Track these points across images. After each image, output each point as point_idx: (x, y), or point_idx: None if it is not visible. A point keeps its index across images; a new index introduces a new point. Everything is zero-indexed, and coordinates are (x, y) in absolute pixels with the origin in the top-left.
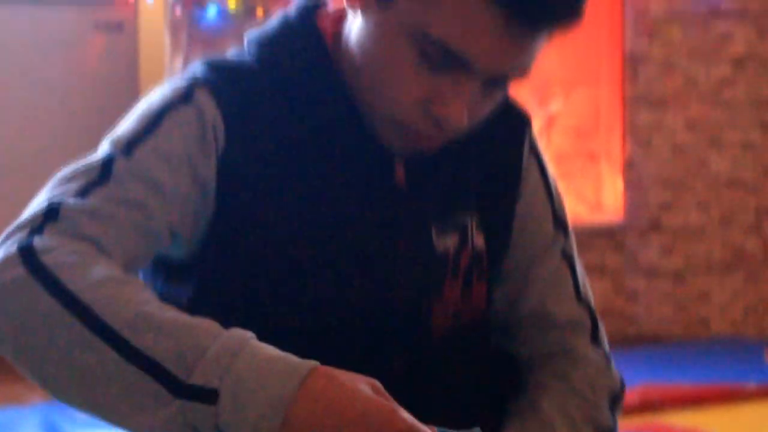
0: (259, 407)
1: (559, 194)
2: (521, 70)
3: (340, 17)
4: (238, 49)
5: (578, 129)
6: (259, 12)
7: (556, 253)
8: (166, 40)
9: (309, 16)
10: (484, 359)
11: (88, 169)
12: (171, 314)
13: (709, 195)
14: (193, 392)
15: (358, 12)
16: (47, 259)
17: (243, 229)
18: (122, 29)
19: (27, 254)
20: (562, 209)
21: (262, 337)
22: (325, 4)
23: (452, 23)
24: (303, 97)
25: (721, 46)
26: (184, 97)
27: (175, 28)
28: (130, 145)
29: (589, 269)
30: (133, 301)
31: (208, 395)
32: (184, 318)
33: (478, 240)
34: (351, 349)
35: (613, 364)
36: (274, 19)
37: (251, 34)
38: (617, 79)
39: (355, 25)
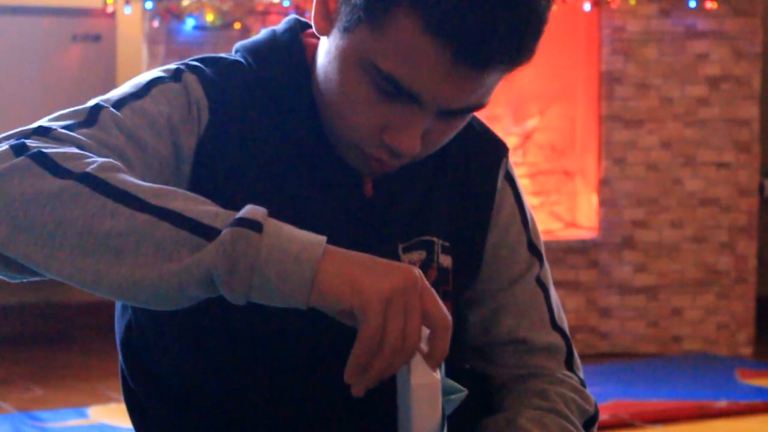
0: (301, 243)
1: (534, 222)
2: (476, 104)
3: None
4: (227, 53)
5: (554, 146)
6: (237, 25)
7: (531, 280)
8: (144, 51)
9: (295, 32)
10: (451, 378)
11: (75, 113)
12: (189, 192)
13: (683, 213)
14: (241, 221)
15: (325, 36)
16: (46, 150)
17: None
18: (100, 40)
19: (21, 148)
20: (538, 237)
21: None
22: (311, 26)
23: (401, 59)
24: (280, 104)
25: (697, 66)
26: (173, 76)
27: (152, 40)
28: (117, 103)
29: (563, 285)
30: (143, 181)
31: (254, 225)
32: (202, 197)
33: (445, 260)
34: (312, 360)
35: (588, 390)
36: (262, 33)
37: (239, 43)
38: (593, 98)
39: (322, 48)
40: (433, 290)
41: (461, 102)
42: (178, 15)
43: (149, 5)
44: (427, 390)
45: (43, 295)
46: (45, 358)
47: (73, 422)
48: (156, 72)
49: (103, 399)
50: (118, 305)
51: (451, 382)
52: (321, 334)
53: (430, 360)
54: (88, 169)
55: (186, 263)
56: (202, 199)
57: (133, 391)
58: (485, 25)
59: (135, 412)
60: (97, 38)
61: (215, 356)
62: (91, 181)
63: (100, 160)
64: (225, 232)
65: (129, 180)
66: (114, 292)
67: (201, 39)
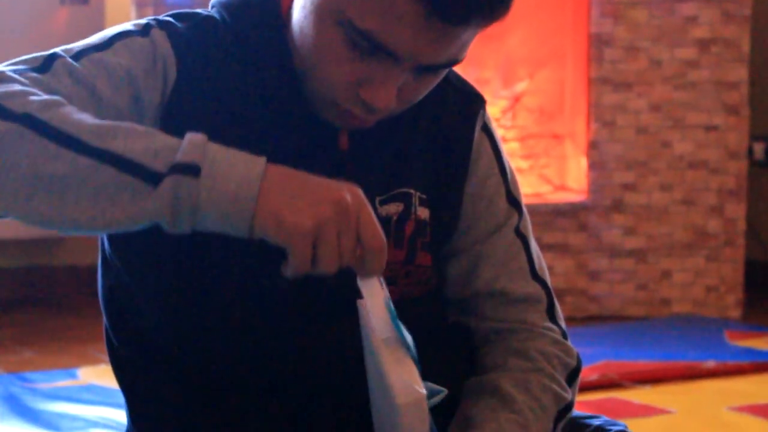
0: (237, 179)
1: (513, 173)
2: (451, 59)
3: None
4: (203, 9)
5: (543, 109)
6: None
7: (510, 231)
8: (132, 15)
9: None
10: (434, 332)
11: (31, 59)
12: (129, 123)
13: (672, 176)
14: (179, 168)
15: None
16: None
17: None
18: (88, 3)
19: None
20: (516, 188)
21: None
22: None
23: (375, 16)
24: (254, 59)
25: (686, 28)
26: (141, 31)
27: (141, 3)
28: (78, 54)
29: (553, 248)
30: (85, 116)
31: (191, 170)
32: (142, 126)
33: (422, 212)
34: (290, 314)
35: (570, 340)
36: None
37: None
38: (582, 60)
39: (297, 3)
40: (370, 211)
41: (437, 58)
42: None
43: None
44: (414, 407)
45: (31, 258)
46: (34, 321)
47: (63, 383)
48: (126, 25)
49: (92, 360)
50: (99, 263)
51: (431, 385)
52: (305, 291)
53: (363, 273)
54: (30, 109)
55: (130, 211)
56: (143, 130)
57: (117, 349)
58: None
59: (119, 370)
60: (85, 1)
61: (198, 313)
62: (33, 123)
63: (44, 96)
64: (164, 182)
65: (71, 118)
66: (62, 231)
67: (190, 1)
